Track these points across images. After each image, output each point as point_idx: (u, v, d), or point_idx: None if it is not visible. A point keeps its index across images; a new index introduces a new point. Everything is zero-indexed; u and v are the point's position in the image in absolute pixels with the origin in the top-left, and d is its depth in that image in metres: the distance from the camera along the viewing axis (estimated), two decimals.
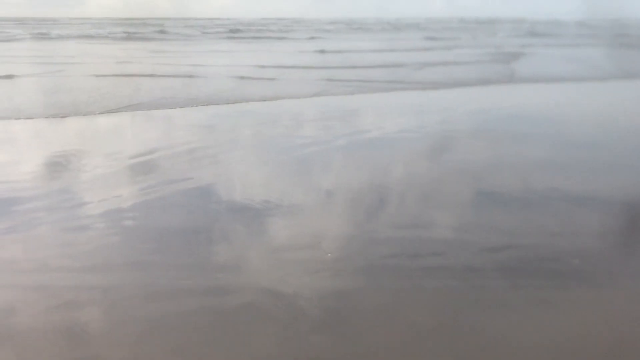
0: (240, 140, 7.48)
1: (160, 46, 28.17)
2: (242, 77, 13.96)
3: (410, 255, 3.93)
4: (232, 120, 8.96)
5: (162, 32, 41.81)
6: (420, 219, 4.62)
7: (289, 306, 3.28)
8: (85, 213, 4.75)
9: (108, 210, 4.78)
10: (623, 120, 8.90)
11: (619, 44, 27.67)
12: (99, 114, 9.28)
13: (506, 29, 47.43)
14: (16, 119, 8.90)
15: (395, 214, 4.73)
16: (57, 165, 6.24)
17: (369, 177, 5.72)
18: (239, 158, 6.52)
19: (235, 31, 43.79)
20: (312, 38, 35.72)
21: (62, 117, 9.04)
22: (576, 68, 16.60)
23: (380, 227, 4.44)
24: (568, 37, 34.27)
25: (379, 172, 5.90)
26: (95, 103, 10.08)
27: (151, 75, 14.35)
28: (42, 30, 45.32)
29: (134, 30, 43.74)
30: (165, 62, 18.34)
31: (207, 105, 10.12)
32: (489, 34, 39.98)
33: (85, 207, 4.90)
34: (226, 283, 3.55)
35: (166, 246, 4.12)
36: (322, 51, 23.13)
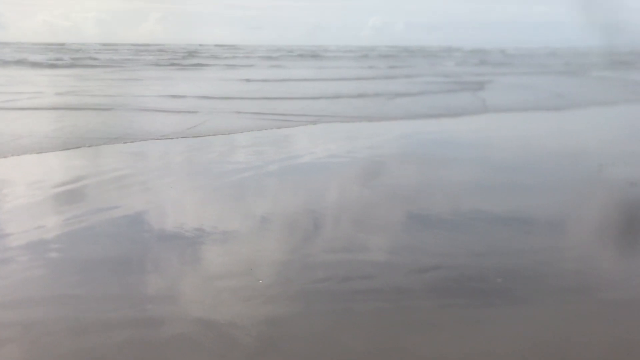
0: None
1: (84, 73, 27.17)
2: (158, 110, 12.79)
3: (342, 279, 3.98)
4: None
5: (91, 58, 39.97)
6: (352, 243, 4.69)
7: (221, 336, 3.25)
8: (6, 245, 4.54)
9: (30, 242, 4.59)
10: (546, 145, 9.36)
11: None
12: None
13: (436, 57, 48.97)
14: None
15: (328, 238, 4.78)
16: None
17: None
18: (167, 192, 6.42)
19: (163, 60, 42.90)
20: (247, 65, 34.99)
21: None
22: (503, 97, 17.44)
23: (313, 252, 4.48)
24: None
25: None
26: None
27: (75, 109, 13.20)
28: None
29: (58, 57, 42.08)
30: (88, 92, 17.35)
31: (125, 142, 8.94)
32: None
33: (6, 239, 4.68)
34: (156, 314, 3.47)
35: (92, 278, 3.99)
36: (248, 80, 22.77)
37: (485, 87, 19.72)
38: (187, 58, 43.97)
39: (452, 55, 55.68)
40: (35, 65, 32.92)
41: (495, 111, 13.30)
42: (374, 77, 25.95)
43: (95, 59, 39.94)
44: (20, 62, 34.33)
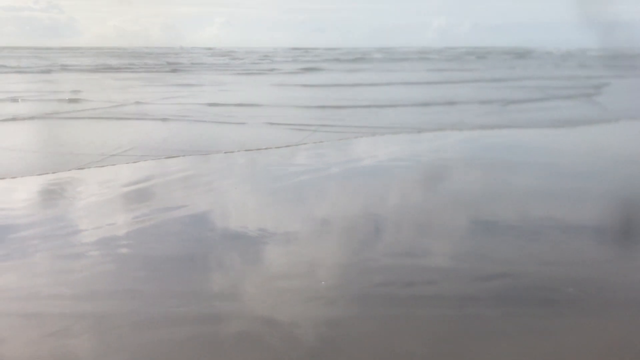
0: None
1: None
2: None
3: (405, 284, 3.93)
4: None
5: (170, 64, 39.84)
6: (415, 248, 4.63)
7: (283, 335, 3.27)
8: (80, 241, 4.74)
9: (102, 238, 4.77)
10: (621, 152, 8.95)
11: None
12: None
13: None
14: None
15: (390, 242, 4.74)
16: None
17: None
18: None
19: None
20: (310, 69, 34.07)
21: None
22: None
23: (375, 255, 4.44)
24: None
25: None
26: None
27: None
28: (48, 60, 44.94)
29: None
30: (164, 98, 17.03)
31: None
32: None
33: (80, 234, 4.89)
34: (220, 311, 3.53)
35: (160, 274, 4.11)
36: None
37: (601, 91, 18.00)
38: (260, 62, 43.76)
39: (541, 57, 52.50)
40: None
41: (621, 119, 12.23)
42: (476, 79, 24.35)
43: (177, 63, 40.44)
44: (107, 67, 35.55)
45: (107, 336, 3.27)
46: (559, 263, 4.31)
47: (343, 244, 4.72)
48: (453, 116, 12.79)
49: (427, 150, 8.81)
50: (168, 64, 38.98)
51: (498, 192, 6.37)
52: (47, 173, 7.11)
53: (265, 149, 8.70)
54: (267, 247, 4.61)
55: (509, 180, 6.94)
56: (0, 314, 3.52)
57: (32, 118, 12.00)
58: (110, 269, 4.19)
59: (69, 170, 7.29)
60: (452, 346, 3.18)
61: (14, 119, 11.89)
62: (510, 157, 8.38)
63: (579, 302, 3.70)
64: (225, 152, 8.43)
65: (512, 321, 3.44)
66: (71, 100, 15.42)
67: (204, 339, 3.23)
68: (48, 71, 31.12)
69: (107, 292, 3.81)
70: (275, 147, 8.81)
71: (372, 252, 4.51)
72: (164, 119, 11.68)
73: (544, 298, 3.73)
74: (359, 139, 9.70)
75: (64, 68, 34.54)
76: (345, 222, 5.23)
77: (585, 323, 3.44)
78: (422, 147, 9.03)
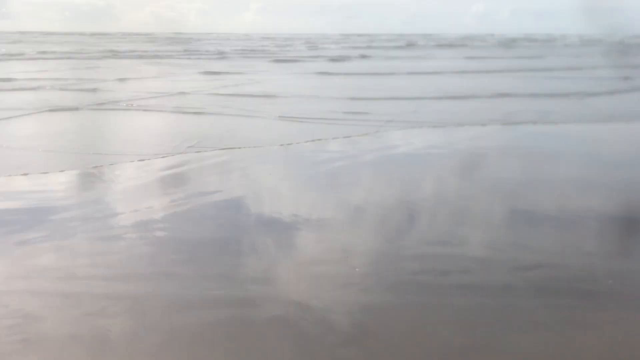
0: None
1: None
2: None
3: (440, 272, 3.89)
4: None
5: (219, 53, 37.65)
6: (451, 236, 4.57)
7: (318, 320, 3.26)
8: (118, 223, 4.82)
9: (140, 221, 4.84)
10: None
11: None
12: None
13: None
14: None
15: (425, 230, 4.69)
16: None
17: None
18: None
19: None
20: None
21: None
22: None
23: (410, 243, 4.40)
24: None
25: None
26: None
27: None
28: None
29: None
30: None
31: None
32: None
33: (117, 217, 4.97)
34: (255, 295, 3.55)
35: (195, 257, 4.15)
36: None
37: None
38: (310, 49, 42.79)
39: (593, 43, 49.60)
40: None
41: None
42: (538, 68, 22.68)
43: (216, 51, 40.05)
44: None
45: (143, 317, 3.32)
46: (598, 254, 4.22)
47: (377, 231, 4.69)
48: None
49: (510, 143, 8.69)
50: (206, 51, 39.06)
51: (538, 181, 6.24)
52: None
53: (317, 140, 8.70)
54: (301, 233, 4.61)
55: (549, 169, 6.79)
56: (40, 293, 3.60)
57: (76, 109, 11.80)
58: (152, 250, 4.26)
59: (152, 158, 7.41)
60: (489, 336, 3.14)
61: (76, 108, 11.73)
62: (553, 146, 8.19)
63: (619, 294, 3.60)
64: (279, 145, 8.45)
65: (551, 312, 3.37)
66: (118, 89, 15.43)
67: (238, 322, 3.25)
68: (96, 57, 31.27)
69: (144, 274, 3.86)
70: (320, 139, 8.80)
71: (407, 240, 4.47)
72: (201, 113, 11.46)
73: (583, 290, 3.65)
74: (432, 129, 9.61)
75: (114, 54, 34.56)
76: (380, 209, 5.20)
77: (625, 316, 3.35)
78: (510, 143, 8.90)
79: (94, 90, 15.03)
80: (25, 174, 6.36)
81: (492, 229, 4.74)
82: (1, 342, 3.06)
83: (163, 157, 7.25)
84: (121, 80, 17.88)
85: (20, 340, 3.07)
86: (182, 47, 45.98)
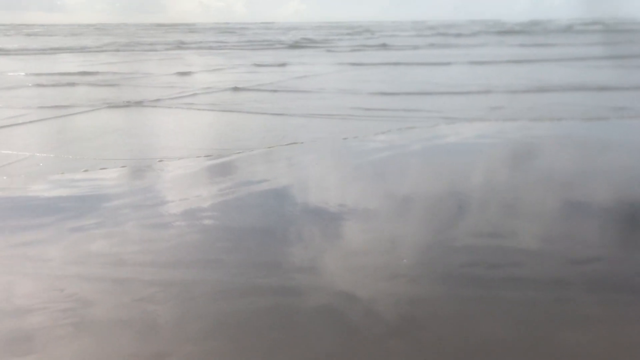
0: None
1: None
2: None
3: (490, 265, 3.79)
4: None
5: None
6: (502, 228, 4.45)
7: (364, 311, 3.23)
8: (169, 211, 4.90)
9: (189, 209, 4.91)
10: None
11: None
12: None
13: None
14: None
15: (474, 222, 4.58)
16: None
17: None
18: None
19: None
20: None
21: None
22: None
23: (459, 235, 4.31)
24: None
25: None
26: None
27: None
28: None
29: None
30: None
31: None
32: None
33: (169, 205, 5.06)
34: (301, 284, 3.54)
35: (241, 245, 4.17)
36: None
37: None
38: (375, 38, 41.98)
39: None
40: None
41: None
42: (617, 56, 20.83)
43: (264, 40, 40.01)
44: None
45: (191, 303, 3.36)
46: None
47: (426, 221, 4.61)
48: None
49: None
50: (249, 41, 39.25)
51: (594, 174, 6.01)
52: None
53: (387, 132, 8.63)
54: (348, 223, 4.58)
55: (606, 162, 6.54)
56: (92, 278, 3.69)
57: (139, 104, 11.94)
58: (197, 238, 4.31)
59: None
60: (542, 331, 3.04)
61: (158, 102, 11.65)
62: (610, 138, 7.88)
63: None
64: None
65: (608, 307, 3.24)
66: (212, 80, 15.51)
67: (284, 311, 3.25)
68: (168, 49, 31.63)
69: (192, 261, 3.91)
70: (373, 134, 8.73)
71: (456, 231, 4.37)
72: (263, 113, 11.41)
73: None
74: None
75: (181, 45, 34.97)
76: (428, 200, 5.11)
77: None
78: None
79: (200, 78, 15.40)
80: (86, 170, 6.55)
81: (547, 221, 4.59)
82: (57, 325, 3.15)
83: (238, 153, 7.34)
84: (213, 70, 18.43)
85: (74, 324, 3.16)
86: (243, 38, 45.83)
